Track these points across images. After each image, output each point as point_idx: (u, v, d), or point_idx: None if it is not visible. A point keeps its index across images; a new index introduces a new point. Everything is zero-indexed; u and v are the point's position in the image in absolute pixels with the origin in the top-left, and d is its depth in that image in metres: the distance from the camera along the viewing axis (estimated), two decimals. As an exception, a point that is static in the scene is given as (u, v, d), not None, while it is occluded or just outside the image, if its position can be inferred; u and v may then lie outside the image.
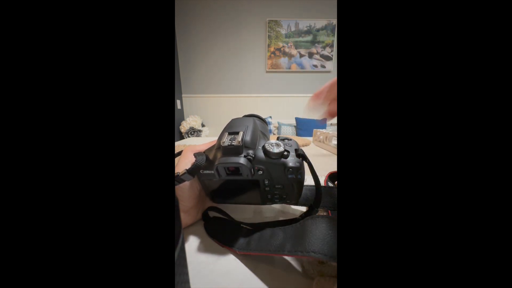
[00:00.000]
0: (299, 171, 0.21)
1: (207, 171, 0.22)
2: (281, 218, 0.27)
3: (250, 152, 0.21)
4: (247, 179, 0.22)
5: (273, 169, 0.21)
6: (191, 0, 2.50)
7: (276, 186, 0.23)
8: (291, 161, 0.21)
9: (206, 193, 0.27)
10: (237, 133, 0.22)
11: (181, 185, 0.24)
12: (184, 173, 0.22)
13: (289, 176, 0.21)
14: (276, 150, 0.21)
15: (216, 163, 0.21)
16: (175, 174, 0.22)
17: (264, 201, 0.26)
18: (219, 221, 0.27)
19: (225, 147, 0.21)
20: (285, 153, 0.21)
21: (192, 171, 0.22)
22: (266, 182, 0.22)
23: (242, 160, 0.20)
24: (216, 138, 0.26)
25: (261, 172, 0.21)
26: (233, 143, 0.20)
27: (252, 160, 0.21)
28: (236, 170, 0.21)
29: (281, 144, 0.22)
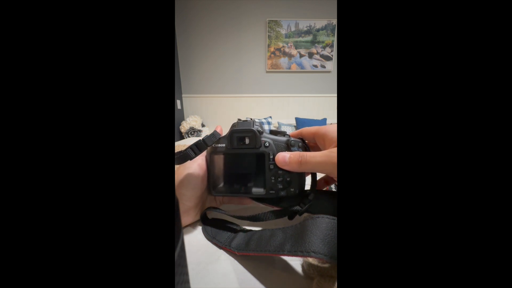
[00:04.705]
0: (300, 143, 0.25)
1: (220, 144, 0.26)
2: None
3: (259, 128, 0.26)
4: (254, 151, 0.25)
5: (278, 144, 0.25)
6: (191, 0, 2.50)
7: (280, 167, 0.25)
8: (293, 138, 0.25)
9: (210, 178, 0.27)
10: (246, 120, 0.27)
11: (186, 176, 0.25)
12: (187, 149, 0.23)
13: (292, 149, 0.24)
14: (280, 132, 0.26)
15: (231, 130, 0.25)
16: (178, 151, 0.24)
17: (268, 189, 0.25)
18: (217, 222, 0.27)
19: (238, 121, 0.26)
20: (287, 135, 0.26)
21: (204, 143, 0.24)
22: (271, 156, 0.25)
23: (253, 128, 0.25)
24: None
25: (267, 144, 0.25)
26: (245, 121, 0.26)
27: (261, 133, 0.25)
28: (246, 140, 0.25)
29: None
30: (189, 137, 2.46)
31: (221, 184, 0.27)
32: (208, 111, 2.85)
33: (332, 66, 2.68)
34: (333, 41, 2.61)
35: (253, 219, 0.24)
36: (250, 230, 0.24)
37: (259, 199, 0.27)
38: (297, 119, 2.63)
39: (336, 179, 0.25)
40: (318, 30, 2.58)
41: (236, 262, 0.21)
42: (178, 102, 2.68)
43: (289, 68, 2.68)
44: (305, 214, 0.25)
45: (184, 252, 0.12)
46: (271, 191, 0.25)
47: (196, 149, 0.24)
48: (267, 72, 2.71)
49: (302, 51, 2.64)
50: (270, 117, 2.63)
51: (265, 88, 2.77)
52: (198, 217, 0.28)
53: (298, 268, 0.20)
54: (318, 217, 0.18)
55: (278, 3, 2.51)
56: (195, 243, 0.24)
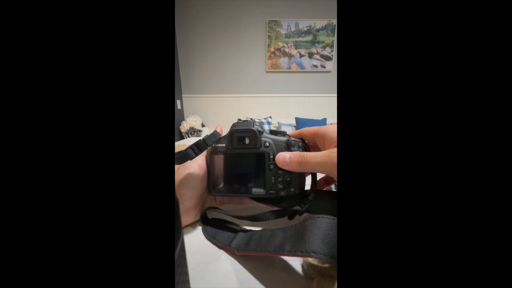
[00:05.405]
0: (300, 143, 0.25)
1: (220, 144, 0.26)
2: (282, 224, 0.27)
3: (259, 128, 0.26)
4: (254, 151, 0.25)
5: (278, 144, 0.25)
6: (191, 0, 2.50)
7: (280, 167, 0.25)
8: (293, 138, 0.25)
9: (210, 178, 0.27)
10: (246, 120, 0.27)
11: (186, 176, 0.25)
12: (187, 149, 0.23)
13: (292, 149, 0.24)
14: (280, 132, 0.26)
15: (231, 130, 0.25)
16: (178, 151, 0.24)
17: (268, 189, 0.25)
18: (217, 222, 0.27)
19: (238, 121, 0.26)
20: (287, 135, 0.26)
21: (204, 143, 0.24)
22: (271, 156, 0.25)
23: (253, 128, 0.25)
24: None
25: (267, 144, 0.25)
26: (245, 121, 0.26)
27: (261, 133, 0.25)
28: (246, 140, 0.25)
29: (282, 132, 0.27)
30: (189, 137, 2.46)
31: (221, 184, 0.27)
32: (208, 111, 2.84)
33: (332, 66, 2.68)
34: (333, 41, 2.61)
35: (253, 219, 0.24)
36: (250, 230, 0.24)
37: (259, 199, 0.27)
38: (297, 119, 2.63)
39: (336, 179, 0.25)
40: (318, 30, 2.58)
41: (236, 262, 0.21)
42: (178, 102, 2.68)
43: (289, 68, 2.68)
44: (305, 214, 0.25)
45: (184, 252, 0.12)
46: (271, 191, 0.25)
47: (196, 149, 0.24)
48: (267, 72, 2.71)
49: (302, 51, 2.64)
50: (270, 117, 2.63)
51: (265, 88, 2.77)
52: (198, 217, 0.28)
53: (298, 268, 0.20)
54: (318, 217, 0.18)
55: (278, 3, 2.51)
56: (195, 243, 0.24)
